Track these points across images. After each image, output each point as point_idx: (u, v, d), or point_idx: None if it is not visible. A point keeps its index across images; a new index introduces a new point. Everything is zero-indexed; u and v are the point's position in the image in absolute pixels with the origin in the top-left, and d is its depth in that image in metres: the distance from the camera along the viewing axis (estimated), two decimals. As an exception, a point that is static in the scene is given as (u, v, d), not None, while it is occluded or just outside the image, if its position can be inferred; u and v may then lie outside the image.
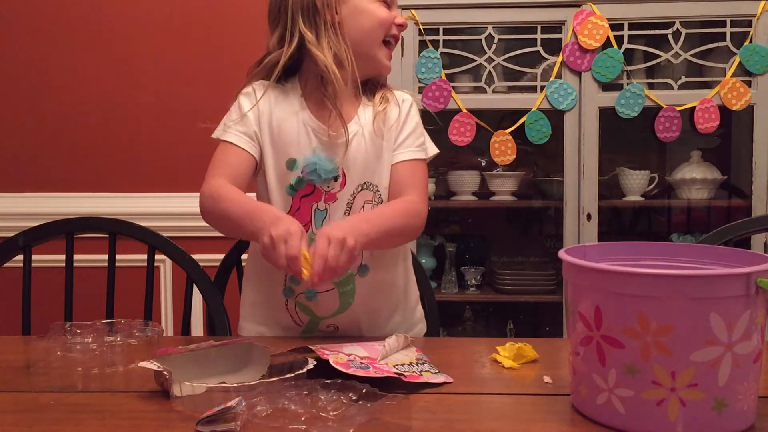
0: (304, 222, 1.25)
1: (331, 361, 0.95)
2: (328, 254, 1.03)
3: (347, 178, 1.25)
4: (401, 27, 1.27)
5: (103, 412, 0.88)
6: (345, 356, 0.99)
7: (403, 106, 1.31)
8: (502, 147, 2.37)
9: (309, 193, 1.25)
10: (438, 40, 2.36)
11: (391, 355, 1.05)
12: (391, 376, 0.95)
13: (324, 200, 1.25)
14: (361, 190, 1.26)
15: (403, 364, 1.02)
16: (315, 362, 0.97)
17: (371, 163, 1.27)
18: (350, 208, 1.26)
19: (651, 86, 2.36)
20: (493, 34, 2.37)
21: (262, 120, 1.26)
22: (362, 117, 1.28)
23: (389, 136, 1.28)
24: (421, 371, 1.00)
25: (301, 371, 0.95)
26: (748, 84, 2.28)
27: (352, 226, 1.09)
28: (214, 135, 1.27)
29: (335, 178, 1.25)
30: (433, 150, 1.34)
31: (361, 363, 0.97)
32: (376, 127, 1.26)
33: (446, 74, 2.35)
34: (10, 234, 1.52)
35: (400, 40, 1.27)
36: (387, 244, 1.25)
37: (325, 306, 1.28)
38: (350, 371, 0.93)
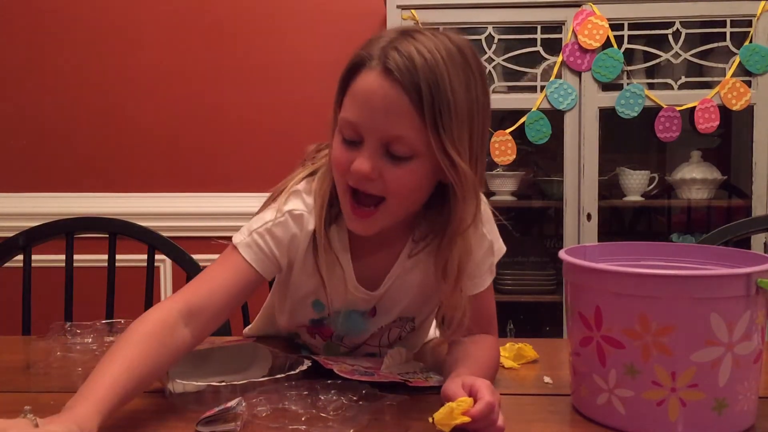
0: (325, 337, 1.10)
1: (335, 370, 0.94)
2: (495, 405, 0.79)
3: (378, 316, 1.06)
4: (356, 174, 0.89)
5: (103, 412, 0.88)
6: (349, 366, 0.98)
7: (479, 252, 1.01)
8: (502, 147, 2.37)
9: (329, 335, 1.10)
10: (438, 40, 2.35)
11: (394, 366, 1.03)
12: (396, 381, 0.94)
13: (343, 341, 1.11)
14: (393, 326, 1.08)
15: (407, 372, 1.00)
16: (310, 363, 0.97)
17: (414, 303, 1.07)
18: (379, 343, 1.11)
19: (651, 86, 2.36)
20: (493, 34, 2.36)
21: (298, 248, 1.00)
22: (412, 256, 1.02)
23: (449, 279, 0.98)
24: (427, 377, 0.99)
25: (301, 368, 0.95)
26: (748, 84, 2.28)
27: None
28: (234, 239, 1.01)
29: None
30: (501, 251, 1.06)
31: (365, 371, 0.97)
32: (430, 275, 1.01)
33: (446, 74, 2.35)
34: (10, 234, 1.52)
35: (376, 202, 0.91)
36: None
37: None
38: (355, 377, 0.92)
